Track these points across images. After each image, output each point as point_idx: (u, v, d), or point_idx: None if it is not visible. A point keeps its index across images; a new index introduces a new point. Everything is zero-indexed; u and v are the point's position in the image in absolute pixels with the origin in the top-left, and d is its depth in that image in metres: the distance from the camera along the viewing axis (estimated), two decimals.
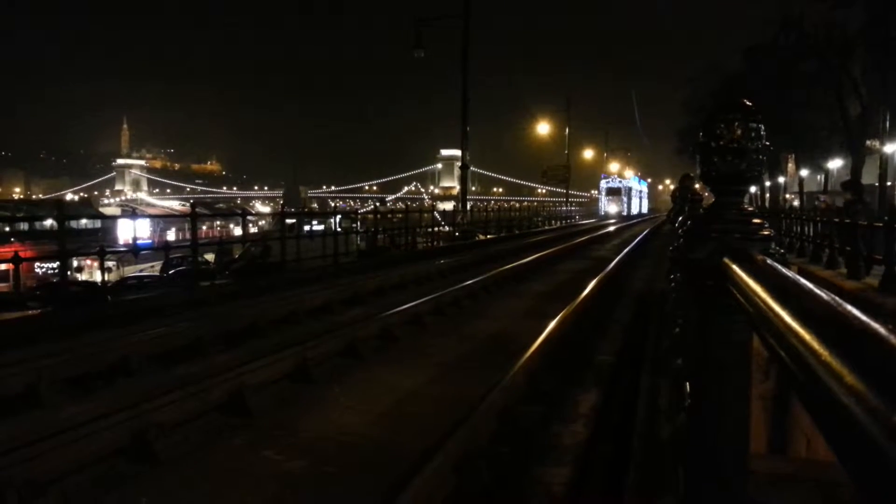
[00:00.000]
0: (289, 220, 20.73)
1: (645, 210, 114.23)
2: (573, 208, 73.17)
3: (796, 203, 47.46)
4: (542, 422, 5.06)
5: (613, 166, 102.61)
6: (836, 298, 0.76)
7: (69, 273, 12.42)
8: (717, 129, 1.63)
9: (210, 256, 19.97)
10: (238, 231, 38.12)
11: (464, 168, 30.71)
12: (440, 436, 4.37)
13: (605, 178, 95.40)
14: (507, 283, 13.34)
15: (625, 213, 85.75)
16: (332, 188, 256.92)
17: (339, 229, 18.48)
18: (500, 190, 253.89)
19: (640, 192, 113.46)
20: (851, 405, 0.53)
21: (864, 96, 29.89)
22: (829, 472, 3.56)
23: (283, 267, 14.35)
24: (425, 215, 27.98)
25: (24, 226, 40.12)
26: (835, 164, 37.98)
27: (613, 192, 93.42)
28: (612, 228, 41.48)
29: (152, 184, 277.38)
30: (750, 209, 1.74)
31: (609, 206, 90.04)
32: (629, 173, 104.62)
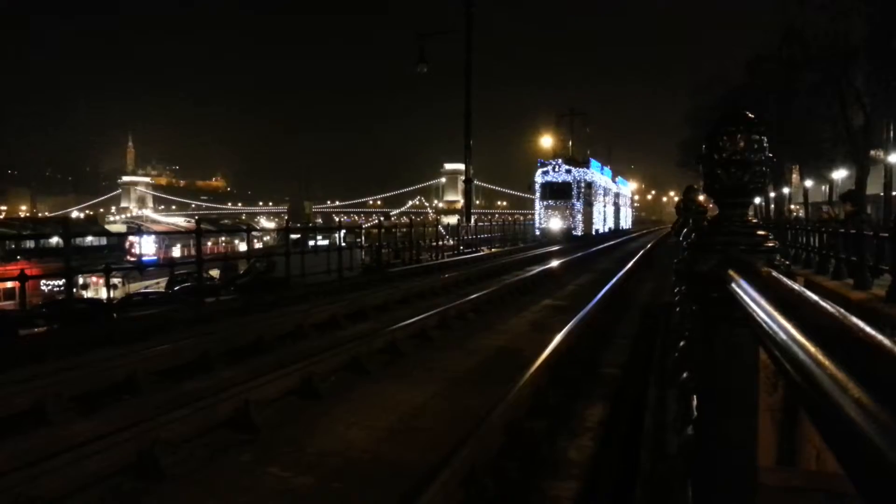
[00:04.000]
0: (293, 236, 20.75)
1: (628, 224, 70.74)
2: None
3: (801, 214, 47.44)
4: (549, 436, 5.03)
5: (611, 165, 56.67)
6: (841, 310, 0.76)
7: (75, 290, 12.46)
8: (720, 142, 1.64)
9: (215, 272, 20.02)
10: (243, 247, 38.22)
11: (467, 182, 30.75)
12: (447, 451, 4.35)
13: (541, 165, 45.23)
14: (511, 296, 13.31)
15: (579, 233, 42.38)
16: (337, 203, 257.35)
17: (343, 244, 18.51)
18: (504, 203, 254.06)
19: (617, 194, 60.05)
20: (857, 418, 0.53)
21: (867, 106, 29.92)
22: (839, 484, 3.54)
23: (288, 282, 14.36)
24: (429, 229, 28.01)
25: (30, 244, 40.28)
26: (839, 174, 37.96)
27: (557, 193, 43.75)
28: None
29: (158, 200, 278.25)
30: (754, 220, 1.74)
31: (549, 220, 43.44)
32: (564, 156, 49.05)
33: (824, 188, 44.71)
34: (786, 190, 51.17)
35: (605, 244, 34.72)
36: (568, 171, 42.90)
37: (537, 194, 43.92)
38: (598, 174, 47.58)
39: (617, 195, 59.87)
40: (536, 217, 44.09)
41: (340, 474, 4.43)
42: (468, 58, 28.22)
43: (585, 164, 44.85)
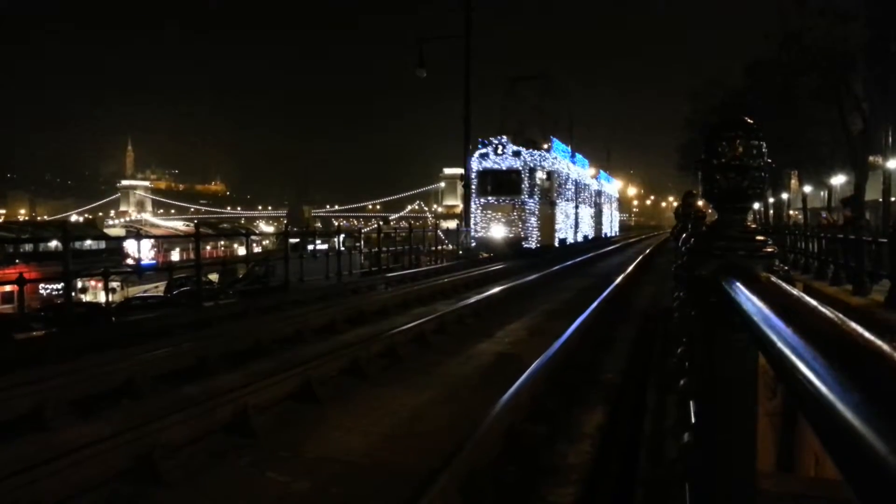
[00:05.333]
0: (293, 240, 20.78)
1: (614, 230, 55.61)
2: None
3: (800, 219, 47.54)
4: (548, 441, 5.02)
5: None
6: (840, 316, 0.76)
7: (73, 294, 12.45)
8: (719, 147, 1.64)
9: (214, 276, 20.03)
10: (242, 251, 38.24)
11: (466, 186, 30.74)
12: (445, 456, 4.34)
13: (482, 145, 29.70)
14: (510, 300, 13.31)
15: (532, 244, 28.48)
16: (336, 207, 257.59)
17: (342, 248, 18.54)
18: None
19: (599, 192, 46.45)
20: (856, 424, 0.53)
21: (865, 112, 29.98)
22: (838, 490, 3.53)
23: (287, 286, 14.37)
24: (429, 234, 28.00)
25: (28, 247, 40.29)
26: (838, 180, 38.01)
27: (501, 186, 28.94)
28: None
29: (157, 204, 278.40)
30: (753, 226, 1.74)
31: (489, 226, 28.91)
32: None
33: (823, 194, 44.73)
34: (785, 195, 51.26)
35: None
36: (516, 154, 28.45)
37: (473, 187, 29.23)
38: (565, 161, 33.52)
39: (598, 193, 45.65)
40: (471, 221, 29.06)
41: (339, 479, 4.43)
42: (467, 63, 28.30)
43: (546, 146, 30.91)
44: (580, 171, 38.25)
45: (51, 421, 5.49)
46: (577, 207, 35.66)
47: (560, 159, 32.26)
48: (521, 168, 28.31)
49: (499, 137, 28.83)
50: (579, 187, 36.70)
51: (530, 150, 28.96)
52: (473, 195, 29.19)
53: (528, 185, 28.28)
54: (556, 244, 30.40)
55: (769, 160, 1.66)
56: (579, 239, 36.04)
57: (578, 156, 39.37)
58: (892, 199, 29.47)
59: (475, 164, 29.00)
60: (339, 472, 4.55)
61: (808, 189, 45.28)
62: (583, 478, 4.37)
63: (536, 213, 28.37)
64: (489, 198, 28.65)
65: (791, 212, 56.47)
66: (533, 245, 28.02)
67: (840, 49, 28.49)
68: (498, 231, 28.27)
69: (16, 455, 4.62)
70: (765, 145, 1.65)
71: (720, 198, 1.68)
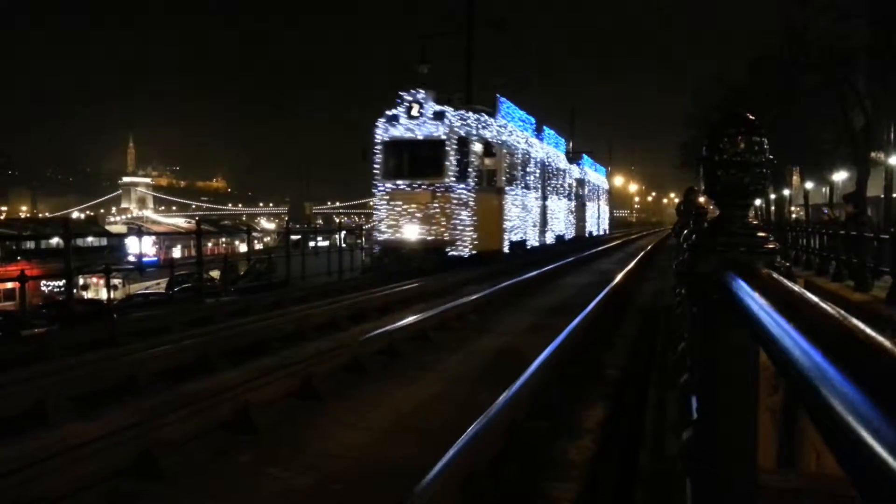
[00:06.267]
0: (294, 237, 20.76)
1: (602, 228, 46.21)
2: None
3: (802, 215, 47.51)
4: (549, 437, 5.03)
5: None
6: (842, 312, 0.76)
7: (75, 291, 12.47)
8: (721, 143, 1.64)
9: (216, 273, 20.07)
10: (243, 248, 38.22)
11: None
12: (447, 451, 4.34)
13: (399, 101, 18.23)
14: (511, 297, 13.31)
15: (465, 251, 18.25)
16: (337, 204, 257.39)
17: (343, 245, 18.53)
18: None
19: (581, 181, 34.67)
20: (857, 420, 0.53)
21: (867, 108, 29.95)
22: (839, 486, 3.54)
23: (289, 283, 14.38)
24: None
25: (30, 244, 40.33)
26: (840, 176, 37.97)
27: (416, 164, 18.24)
28: None
29: (158, 201, 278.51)
30: (755, 222, 1.74)
31: (399, 223, 18.06)
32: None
33: (825, 190, 44.68)
34: (786, 192, 51.18)
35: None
36: (439, 117, 18.38)
37: (377, 167, 18.99)
38: (523, 134, 23.84)
39: (581, 182, 34.91)
40: (376, 217, 19.49)
41: (340, 475, 4.43)
42: (468, 62, 28.22)
43: (488, 109, 21.18)
44: (550, 150, 28.08)
45: (52, 417, 5.50)
46: (544, 198, 26.04)
47: (514, 129, 22.55)
48: (445, 137, 18.22)
49: (415, 92, 18.71)
50: (549, 172, 27.09)
51: (461, 112, 18.94)
52: (378, 178, 18.98)
53: (456, 163, 18.33)
54: (507, 249, 21.20)
55: (771, 156, 1.66)
56: (548, 240, 26.68)
57: (549, 131, 28.98)
58: (894, 195, 29.43)
59: (380, 133, 18.88)
60: (340, 468, 4.55)
61: (809, 185, 45.25)
62: (584, 473, 4.38)
63: (471, 203, 18.66)
64: (398, 182, 18.75)
65: (793, 208, 56.45)
66: (465, 251, 18.68)
67: (842, 46, 28.44)
68: (411, 231, 18.45)
69: (17, 451, 4.63)
70: (766, 141, 1.65)
71: (722, 194, 1.68)
